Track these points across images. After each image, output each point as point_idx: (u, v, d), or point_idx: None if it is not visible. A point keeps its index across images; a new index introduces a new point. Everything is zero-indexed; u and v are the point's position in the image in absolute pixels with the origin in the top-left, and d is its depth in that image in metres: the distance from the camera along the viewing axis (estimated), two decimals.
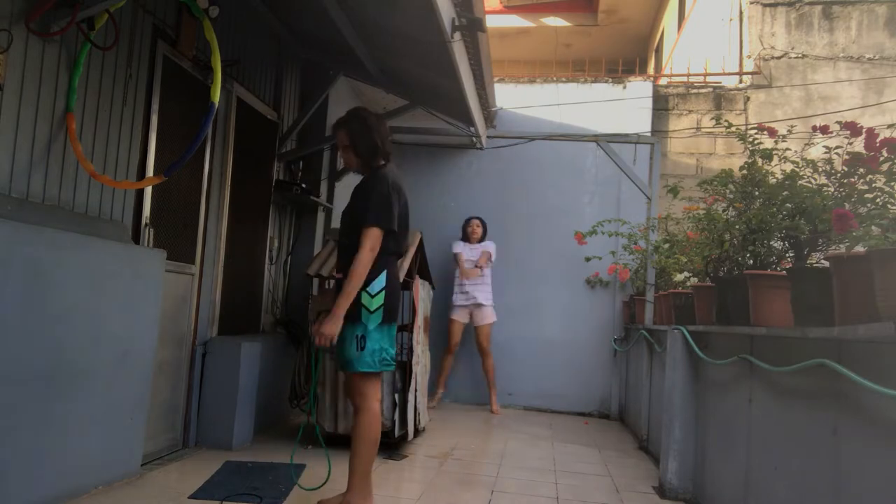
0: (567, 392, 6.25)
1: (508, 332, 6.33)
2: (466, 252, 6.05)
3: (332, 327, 2.54)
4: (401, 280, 4.00)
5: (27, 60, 2.48)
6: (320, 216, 5.25)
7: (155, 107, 3.30)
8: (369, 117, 2.82)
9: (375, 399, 2.72)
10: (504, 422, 5.54)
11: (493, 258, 6.05)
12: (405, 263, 4.15)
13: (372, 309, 2.63)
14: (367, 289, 2.62)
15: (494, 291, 6.13)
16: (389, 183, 2.70)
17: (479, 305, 5.95)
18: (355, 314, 2.63)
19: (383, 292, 2.65)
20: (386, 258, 2.70)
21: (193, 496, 2.90)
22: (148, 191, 3.28)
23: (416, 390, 4.30)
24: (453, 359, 6.06)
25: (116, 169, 3.05)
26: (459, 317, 5.98)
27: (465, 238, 6.15)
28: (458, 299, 5.98)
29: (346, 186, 5.77)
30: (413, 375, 4.21)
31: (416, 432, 4.48)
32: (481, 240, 6.14)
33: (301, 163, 5.00)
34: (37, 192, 2.57)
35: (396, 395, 4.05)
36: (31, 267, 2.43)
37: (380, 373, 2.74)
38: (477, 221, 6.15)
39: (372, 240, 2.62)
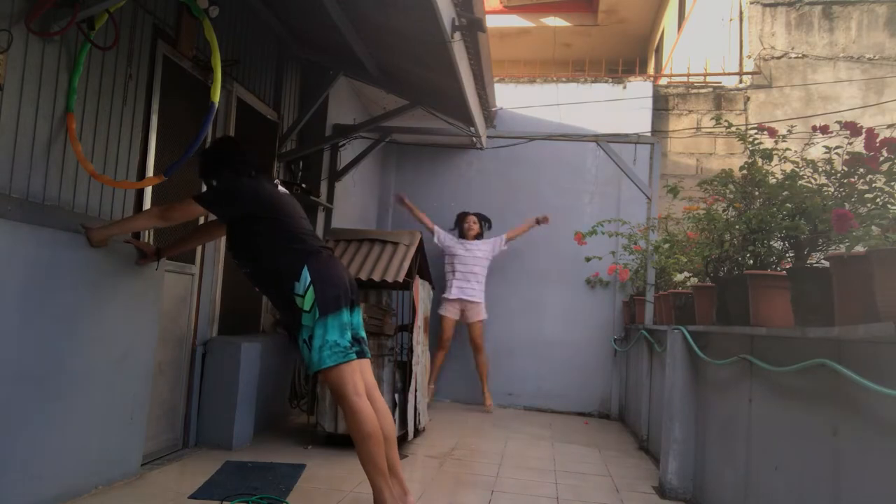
0: (567, 392, 6.25)
1: (509, 331, 6.34)
2: (460, 251, 5.97)
3: (89, 234, 2.69)
4: (400, 278, 4.00)
5: (27, 60, 2.48)
6: (320, 216, 5.25)
7: (155, 107, 3.30)
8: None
9: (355, 394, 2.59)
10: (504, 422, 5.54)
11: (501, 248, 6.05)
12: (405, 263, 4.15)
13: (307, 308, 2.60)
14: (295, 291, 2.61)
15: (494, 291, 6.15)
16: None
17: (472, 302, 5.92)
18: (297, 320, 2.63)
19: (311, 287, 2.59)
20: (304, 255, 2.66)
21: (193, 496, 2.89)
22: (148, 191, 3.28)
23: (416, 390, 4.30)
24: (445, 357, 6.00)
25: (116, 169, 3.05)
26: (450, 313, 5.92)
27: (461, 234, 6.09)
28: (450, 293, 5.91)
29: (347, 186, 5.78)
30: (413, 375, 4.21)
31: (416, 432, 4.48)
32: (478, 237, 6.08)
33: (301, 163, 5.00)
34: (37, 192, 2.57)
35: (396, 395, 4.06)
36: (31, 267, 2.43)
37: (349, 364, 2.61)
38: (474, 218, 6.09)
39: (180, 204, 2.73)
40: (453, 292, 5.93)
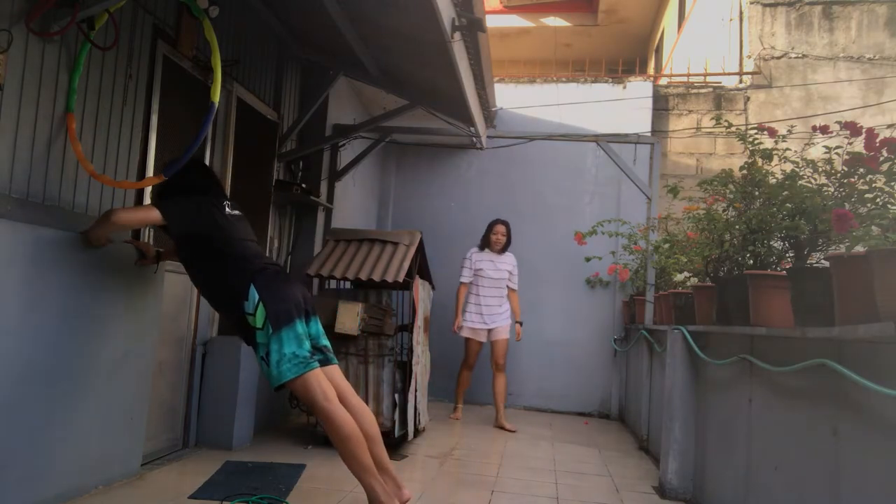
0: (567, 392, 6.26)
1: (508, 331, 6.33)
2: (487, 266, 5.40)
3: (87, 235, 2.70)
4: (400, 278, 4.00)
5: (27, 60, 2.48)
6: (320, 216, 5.25)
7: (155, 107, 3.30)
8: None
9: (325, 400, 2.59)
10: None
11: (516, 277, 5.55)
12: (405, 263, 4.15)
13: (259, 325, 2.60)
14: (245, 311, 2.62)
15: None
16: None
17: (499, 327, 5.43)
18: (252, 339, 2.64)
19: (261, 304, 2.60)
20: (251, 274, 2.66)
21: (193, 496, 2.89)
22: (148, 191, 3.28)
23: (416, 390, 4.30)
24: (470, 377, 5.62)
25: (116, 169, 3.05)
26: (477, 336, 5.42)
27: (486, 245, 5.46)
28: (474, 319, 5.40)
29: (347, 186, 5.78)
30: (413, 375, 4.21)
31: (416, 432, 4.48)
32: (503, 250, 5.48)
33: (301, 163, 5.00)
34: (37, 192, 2.57)
35: (397, 396, 4.05)
36: (32, 267, 2.43)
37: (312, 373, 2.59)
38: (503, 229, 5.43)
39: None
40: (479, 320, 5.40)
